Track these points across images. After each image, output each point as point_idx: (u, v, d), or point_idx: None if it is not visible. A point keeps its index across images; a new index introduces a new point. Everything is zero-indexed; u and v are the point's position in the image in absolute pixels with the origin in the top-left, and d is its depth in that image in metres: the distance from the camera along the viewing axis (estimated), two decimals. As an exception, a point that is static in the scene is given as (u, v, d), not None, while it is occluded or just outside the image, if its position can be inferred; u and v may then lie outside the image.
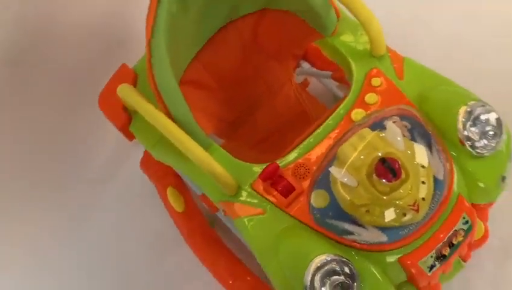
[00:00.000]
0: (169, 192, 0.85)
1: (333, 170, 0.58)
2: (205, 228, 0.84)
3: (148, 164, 0.87)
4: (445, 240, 0.58)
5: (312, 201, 0.60)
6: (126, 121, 0.73)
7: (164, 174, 0.85)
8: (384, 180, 0.56)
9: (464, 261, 0.70)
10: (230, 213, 0.64)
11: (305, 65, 0.88)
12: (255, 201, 0.62)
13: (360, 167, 0.57)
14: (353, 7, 0.64)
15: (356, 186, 0.57)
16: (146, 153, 0.88)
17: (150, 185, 0.89)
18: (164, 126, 0.63)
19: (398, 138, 0.58)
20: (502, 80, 0.88)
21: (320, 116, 0.68)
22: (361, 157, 0.57)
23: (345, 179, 0.57)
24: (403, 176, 0.56)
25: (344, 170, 0.57)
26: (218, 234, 0.84)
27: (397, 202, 0.56)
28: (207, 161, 0.62)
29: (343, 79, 0.81)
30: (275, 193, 0.61)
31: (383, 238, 0.58)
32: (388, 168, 0.56)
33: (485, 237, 0.73)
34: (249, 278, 0.77)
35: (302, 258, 0.57)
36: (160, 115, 0.64)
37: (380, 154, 0.56)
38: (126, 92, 0.69)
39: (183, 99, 0.64)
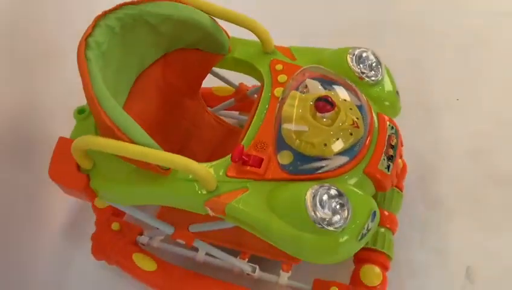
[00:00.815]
0: (137, 257, 0.88)
1: (285, 126, 0.72)
2: (184, 271, 0.87)
3: (100, 246, 0.89)
4: (386, 143, 0.74)
5: (280, 161, 0.72)
6: (85, 180, 0.78)
7: (123, 246, 0.88)
8: (325, 114, 0.71)
9: (401, 191, 0.88)
10: (219, 207, 0.72)
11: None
12: (236, 185, 0.72)
13: (303, 115, 0.72)
14: (241, 20, 0.80)
15: (307, 130, 0.71)
16: (95, 239, 0.90)
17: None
18: (140, 151, 0.69)
19: (319, 87, 0.74)
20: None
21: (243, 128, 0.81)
22: (300, 110, 0.72)
23: (298, 128, 0.71)
24: (336, 108, 0.72)
25: (293, 122, 0.72)
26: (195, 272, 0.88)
27: (341, 128, 0.71)
28: (187, 163, 0.70)
29: (244, 99, 0.96)
30: (249, 167, 0.72)
31: (346, 159, 0.71)
32: (325, 102, 0.71)
33: (404, 168, 0.91)
34: None
35: (296, 201, 0.68)
36: (129, 144, 0.70)
37: (311, 102, 0.72)
38: (88, 140, 0.73)
39: (138, 125, 0.71)
